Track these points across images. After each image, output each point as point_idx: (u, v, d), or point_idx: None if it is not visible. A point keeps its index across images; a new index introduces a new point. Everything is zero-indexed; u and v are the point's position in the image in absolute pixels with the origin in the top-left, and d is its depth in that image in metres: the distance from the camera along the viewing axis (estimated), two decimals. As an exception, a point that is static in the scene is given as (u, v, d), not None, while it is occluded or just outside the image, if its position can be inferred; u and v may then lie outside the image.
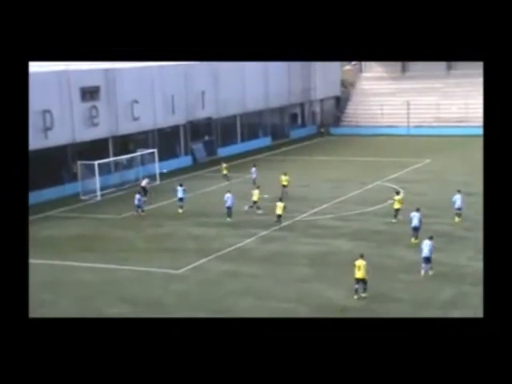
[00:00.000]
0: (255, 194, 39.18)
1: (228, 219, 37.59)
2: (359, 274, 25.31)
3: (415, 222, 32.03)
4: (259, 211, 38.46)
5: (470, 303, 24.46)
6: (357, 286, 25.40)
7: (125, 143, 52.69)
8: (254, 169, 47.19)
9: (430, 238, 28.11)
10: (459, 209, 35.97)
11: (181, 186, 40.92)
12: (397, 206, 36.15)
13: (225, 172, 49.34)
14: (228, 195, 37.99)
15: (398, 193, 37.64)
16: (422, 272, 27.67)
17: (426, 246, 27.61)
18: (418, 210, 32.67)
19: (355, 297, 25.40)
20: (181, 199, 40.29)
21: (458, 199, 35.98)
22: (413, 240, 31.91)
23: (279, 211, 36.27)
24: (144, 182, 45.56)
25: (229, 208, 37.69)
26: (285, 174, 43.75)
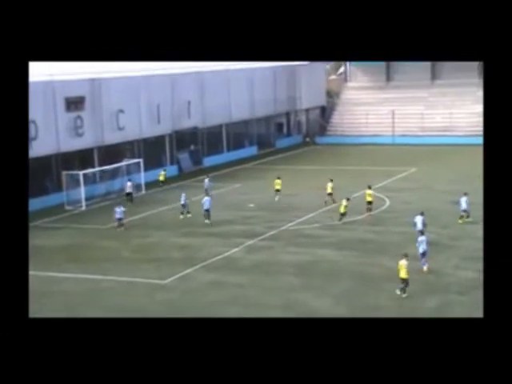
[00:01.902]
0: (329, 187, 42.17)
1: (206, 221, 38.82)
2: (400, 274, 26.39)
3: (419, 226, 32.53)
4: (327, 205, 40.92)
5: (455, 312, 24.50)
6: (402, 285, 26.41)
7: (110, 153, 52.43)
8: (206, 180, 47.13)
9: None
10: (465, 211, 36.87)
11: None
12: (369, 198, 39.32)
13: (161, 178, 51.04)
14: (206, 198, 39.55)
15: (369, 187, 39.90)
16: (425, 268, 28.86)
17: (422, 242, 29.17)
18: (422, 213, 33.17)
19: (397, 291, 26.46)
20: (183, 206, 40.94)
21: (463, 201, 36.78)
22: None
23: (342, 209, 37.63)
24: (129, 187, 45.55)
25: (207, 211, 39.04)
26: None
